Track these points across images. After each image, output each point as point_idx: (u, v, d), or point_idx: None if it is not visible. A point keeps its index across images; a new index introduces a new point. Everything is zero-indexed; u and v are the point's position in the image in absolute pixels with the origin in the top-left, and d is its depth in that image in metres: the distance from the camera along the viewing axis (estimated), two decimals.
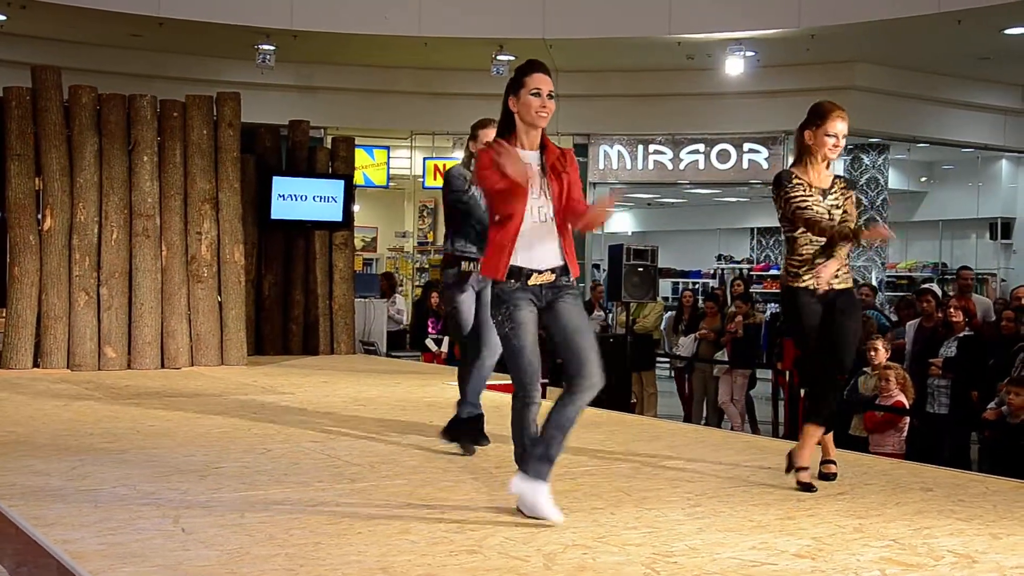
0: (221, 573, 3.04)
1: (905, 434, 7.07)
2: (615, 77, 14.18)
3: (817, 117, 4.46)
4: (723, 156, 14.30)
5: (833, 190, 4.51)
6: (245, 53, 12.49)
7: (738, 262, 18.37)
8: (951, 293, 10.86)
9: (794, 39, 12.13)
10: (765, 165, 14.17)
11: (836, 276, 4.43)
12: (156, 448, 5.11)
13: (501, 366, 4.46)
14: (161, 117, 9.17)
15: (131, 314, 8.90)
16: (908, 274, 16.48)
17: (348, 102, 14.37)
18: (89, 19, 11.56)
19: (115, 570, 3.04)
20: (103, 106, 8.96)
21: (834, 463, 4.69)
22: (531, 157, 3.85)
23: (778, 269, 16.60)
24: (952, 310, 8.03)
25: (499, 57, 12.74)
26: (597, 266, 15.55)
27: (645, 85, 14.21)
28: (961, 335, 7.91)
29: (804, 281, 4.43)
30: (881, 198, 14.67)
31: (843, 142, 4.52)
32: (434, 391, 7.71)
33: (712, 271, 18.32)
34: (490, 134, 5.10)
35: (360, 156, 13.20)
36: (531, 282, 3.79)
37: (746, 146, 14.26)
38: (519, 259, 3.79)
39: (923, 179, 17.79)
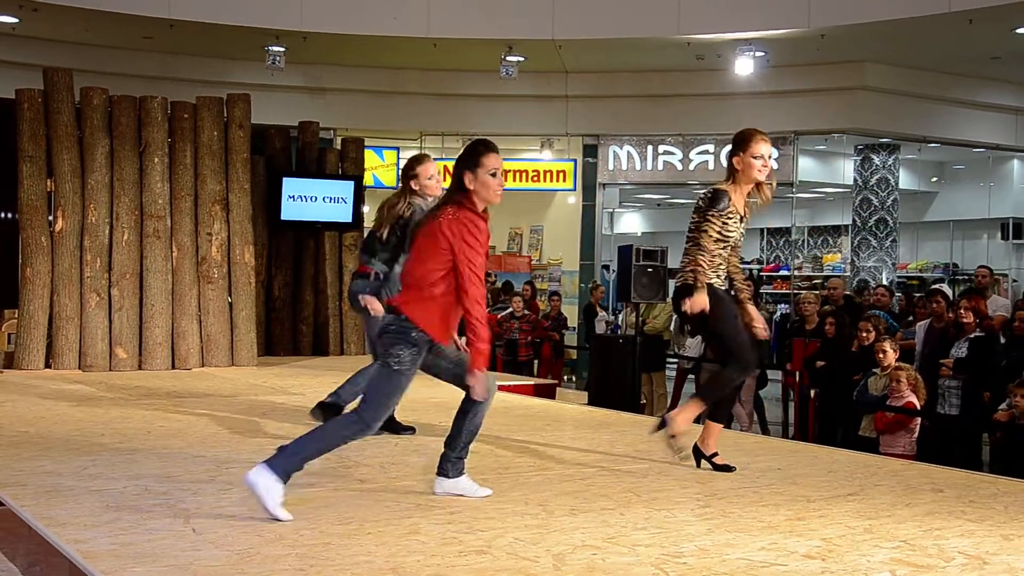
0: (231, 573, 3.05)
1: (916, 435, 7.05)
2: (624, 77, 14.17)
3: (741, 143, 4.67)
4: None
5: (746, 219, 4.76)
6: (255, 55, 12.52)
7: (748, 263, 18.34)
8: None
9: (804, 39, 12.10)
10: (775, 165, 14.07)
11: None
12: (167, 449, 5.13)
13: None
14: (172, 119, 9.21)
15: (142, 315, 8.94)
16: (919, 274, 16.42)
17: (358, 103, 14.40)
18: (100, 21, 11.61)
19: (126, 570, 3.05)
20: (114, 108, 9.00)
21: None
22: None
23: (788, 269, 16.57)
24: (962, 311, 7.99)
25: (508, 58, 12.75)
26: (607, 267, 15.54)
27: (655, 85, 14.20)
28: (972, 336, 7.87)
29: (713, 280, 4.65)
30: (892, 198, 14.62)
31: (771, 163, 4.72)
32: (442, 391, 7.69)
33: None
34: (428, 170, 5.42)
35: (370, 157, 13.22)
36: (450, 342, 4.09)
37: None
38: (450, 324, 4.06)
39: (934, 179, 17.72)
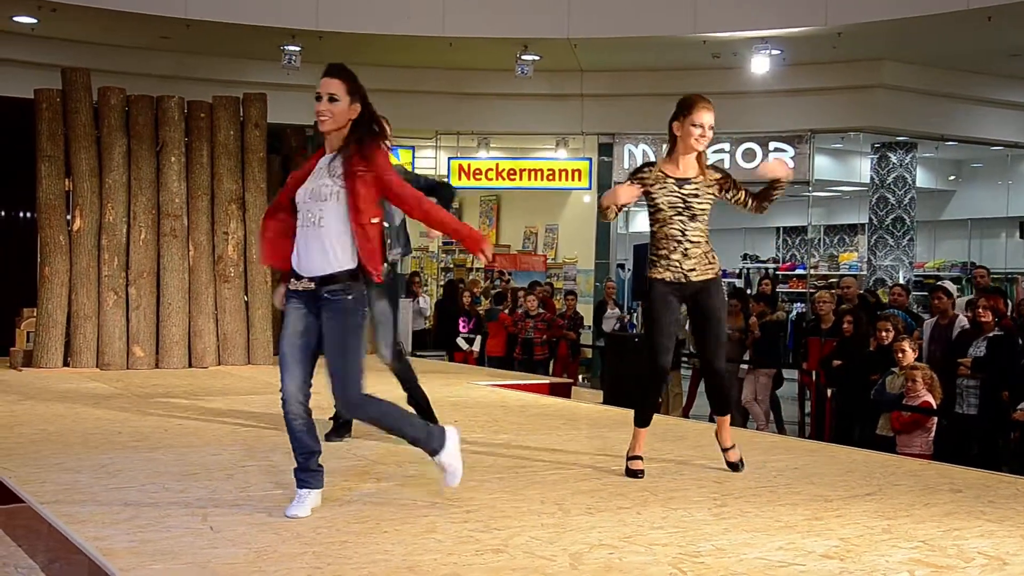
0: (249, 571, 3.06)
1: (933, 434, 7.01)
2: (640, 76, 14.13)
3: (684, 108, 4.56)
4: (748, 155, 14.20)
5: (696, 179, 4.55)
6: (271, 54, 12.55)
7: (763, 262, 18.27)
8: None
9: (821, 37, 12.04)
10: (791, 164, 14.06)
11: (694, 269, 4.53)
12: (184, 447, 5.16)
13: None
14: (188, 118, 9.25)
15: (159, 313, 8.98)
16: (936, 273, 16.32)
17: (373, 102, 14.27)
18: (118, 21, 11.65)
19: (145, 567, 3.07)
20: (132, 107, 9.05)
21: (734, 447, 4.81)
22: (323, 160, 3.85)
23: (804, 268, 16.51)
24: (981, 309, 7.94)
25: (524, 57, 12.74)
26: (622, 266, 15.51)
27: (670, 84, 14.12)
28: (991, 335, 7.82)
29: (660, 272, 4.53)
30: (909, 197, 14.53)
31: (710, 133, 4.56)
32: (459, 390, 7.72)
33: (737, 271, 18.24)
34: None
35: None
36: (292, 286, 3.79)
37: (772, 145, 14.17)
38: (295, 261, 3.78)
39: (951, 178, 17.61)
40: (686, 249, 4.51)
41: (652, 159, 14.67)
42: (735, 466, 4.75)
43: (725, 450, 4.80)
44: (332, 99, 3.78)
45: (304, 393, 3.75)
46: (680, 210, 4.50)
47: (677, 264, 4.52)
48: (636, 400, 4.78)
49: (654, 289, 4.55)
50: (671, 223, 4.50)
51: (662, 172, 4.54)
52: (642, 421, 4.66)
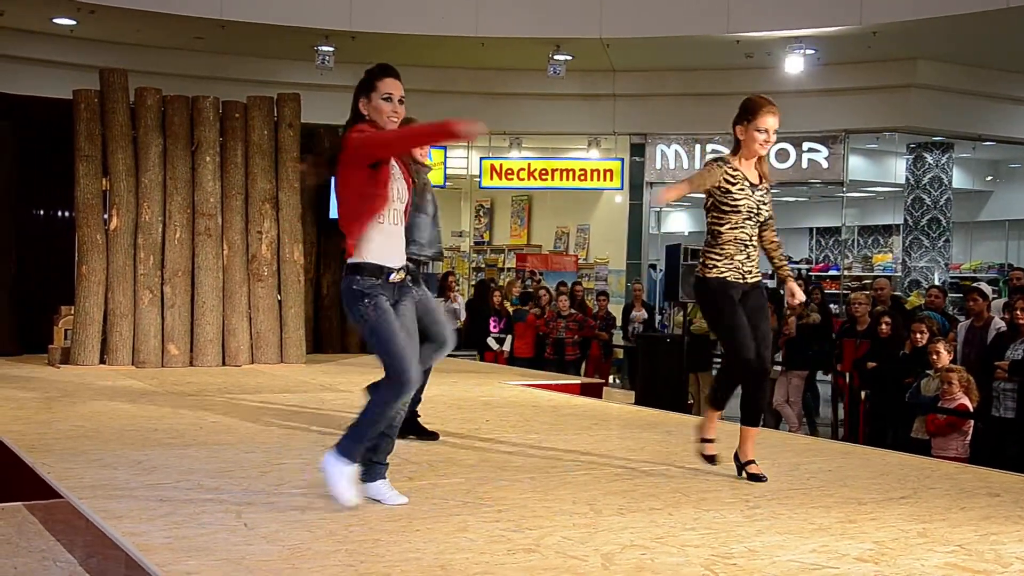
0: (283, 568, 3.09)
1: (969, 438, 6.93)
2: (672, 76, 14.09)
3: (748, 112, 4.51)
4: (782, 155, 14.13)
5: (762, 185, 4.56)
6: (305, 55, 12.65)
7: (796, 262, 18.14)
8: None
9: (856, 36, 11.95)
10: (825, 164, 13.97)
11: (751, 272, 4.54)
12: (218, 444, 5.21)
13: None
14: (223, 118, 9.33)
15: (193, 312, 9.07)
16: (972, 275, 16.12)
17: (406, 102, 14.42)
18: (154, 22, 11.79)
19: (180, 562, 3.10)
20: (167, 108, 9.14)
21: (756, 461, 4.65)
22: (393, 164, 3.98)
23: (837, 269, 16.38)
24: (1019, 312, 7.84)
25: (556, 57, 12.74)
26: (654, 266, 15.46)
27: (703, 84, 14.09)
28: None
29: (723, 272, 4.50)
30: (945, 198, 14.38)
31: (773, 137, 4.54)
32: (490, 390, 7.73)
33: (770, 271, 18.11)
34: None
35: None
36: (393, 279, 3.95)
37: (805, 145, 14.08)
38: (390, 258, 3.96)
39: (988, 178, 17.40)
40: (749, 253, 4.54)
41: (684, 160, 14.65)
42: (758, 477, 4.54)
43: (748, 463, 4.59)
44: (401, 101, 3.99)
45: None
46: (753, 214, 4.52)
47: (740, 265, 4.52)
48: (718, 383, 4.77)
49: (720, 287, 4.49)
50: (742, 227, 4.50)
51: (741, 173, 4.51)
52: (718, 404, 4.70)
